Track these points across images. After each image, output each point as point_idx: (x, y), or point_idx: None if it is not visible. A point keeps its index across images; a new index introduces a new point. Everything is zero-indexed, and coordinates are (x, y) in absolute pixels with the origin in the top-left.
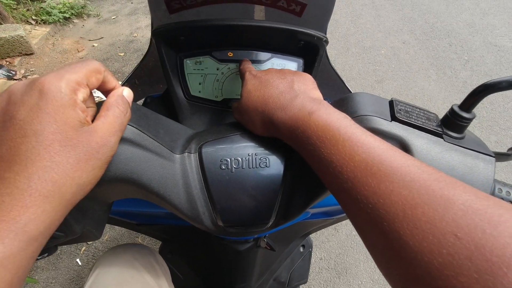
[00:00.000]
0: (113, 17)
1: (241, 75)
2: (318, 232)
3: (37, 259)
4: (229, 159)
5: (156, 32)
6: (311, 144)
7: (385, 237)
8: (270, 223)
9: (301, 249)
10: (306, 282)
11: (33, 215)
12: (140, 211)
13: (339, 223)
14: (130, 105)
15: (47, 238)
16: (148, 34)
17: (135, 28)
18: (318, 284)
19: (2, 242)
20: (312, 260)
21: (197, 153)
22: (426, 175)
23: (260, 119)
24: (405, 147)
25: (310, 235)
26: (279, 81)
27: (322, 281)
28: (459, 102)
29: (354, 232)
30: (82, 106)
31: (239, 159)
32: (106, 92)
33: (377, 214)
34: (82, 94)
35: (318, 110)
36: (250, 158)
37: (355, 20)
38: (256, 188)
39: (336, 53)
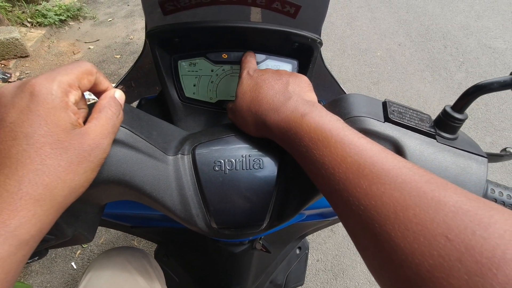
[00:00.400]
0: (109, 20)
1: (240, 70)
2: (315, 233)
3: (28, 263)
4: (222, 161)
5: (150, 34)
6: (303, 146)
7: (376, 239)
8: (264, 224)
9: (298, 251)
10: (302, 284)
11: (23, 218)
12: (134, 213)
13: (335, 225)
14: (123, 106)
15: (38, 242)
16: (144, 36)
17: (132, 31)
18: (315, 286)
19: None
20: (309, 262)
21: (191, 155)
22: (418, 176)
23: (253, 120)
24: (398, 148)
25: (307, 237)
26: (274, 82)
27: (319, 283)
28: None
29: None
30: (74, 108)
31: (233, 160)
32: (98, 93)
33: (368, 216)
34: (73, 96)
35: (310, 112)
36: (244, 159)
37: (351, 23)
38: (249, 189)
39: (332, 55)
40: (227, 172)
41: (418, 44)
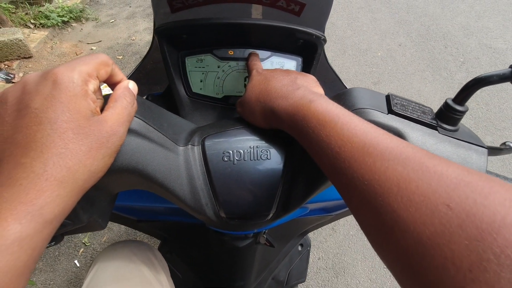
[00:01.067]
0: (111, 21)
1: (248, 71)
2: (316, 232)
3: (46, 247)
4: (231, 151)
5: (159, 31)
6: (311, 127)
7: (379, 212)
8: (271, 214)
9: (299, 248)
10: (304, 281)
11: (48, 198)
12: (141, 206)
13: (336, 224)
14: (136, 97)
15: (60, 222)
16: (146, 37)
17: (133, 32)
18: (316, 284)
19: (20, 223)
20: (310, 260)
21: (200, 146)
22: (420, 153)
23: (260, 109)
24: (401, 138)
25: (308, 234)
26: (283, 77)
27: (320, 281)
28: None
29: (352, 232)
30: (93, 97)
31: (241, 151)
32: (113, 85)
33: (372, 191)
34: (92, 85)
35: (318, 100)
36: (252, 150)
37: (352, 23)
38: (257, 179)
39: (333, 55)
40: (235, 162)
41: (419, 44)
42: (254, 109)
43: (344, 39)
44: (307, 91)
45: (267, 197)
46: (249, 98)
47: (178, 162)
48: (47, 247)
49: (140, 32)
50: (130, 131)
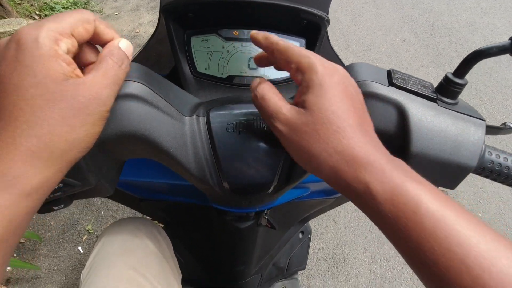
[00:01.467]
0: (115, 13)
1: (295, 58)
2: (317, 224)
3: (54, 209)
4: (235, 123)
5: (165, 8)
6: (412, 220)
7: None
8: (273, 185)
9: (300, 235)
10: (304, 268)
11: (20, 169)
12: (144, 182)
13: (337, 216)
14: (130, 57)
15: (44, 195)
16: (150, 30)
17: (138, 24)
18: (316, 273)
19: None
20: (311, 250)
21: (205, 117)
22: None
23: (332, 163)
24: (401, 110)
25: (309, 224)
26: (359, 120)
27: (320, 271)
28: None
29: (353, 224)
30: (66, 58)
31: (245, 123)
32: (103, 45)
33: None
34: (65, 44)
35: (411, 182)
36: (255, 122)
37: (356, 18)
38: (260, 150)
39: (337, 50)
40: (239, 133)
41: (423, 40)
42: (322, 160)
43: (348, 34)
44: (396, 162)
45: (269, 168)
46: (316, 132)
47: (184, 131)
48: (56, 209)
49: (144, 25)
50: (138, 98)
